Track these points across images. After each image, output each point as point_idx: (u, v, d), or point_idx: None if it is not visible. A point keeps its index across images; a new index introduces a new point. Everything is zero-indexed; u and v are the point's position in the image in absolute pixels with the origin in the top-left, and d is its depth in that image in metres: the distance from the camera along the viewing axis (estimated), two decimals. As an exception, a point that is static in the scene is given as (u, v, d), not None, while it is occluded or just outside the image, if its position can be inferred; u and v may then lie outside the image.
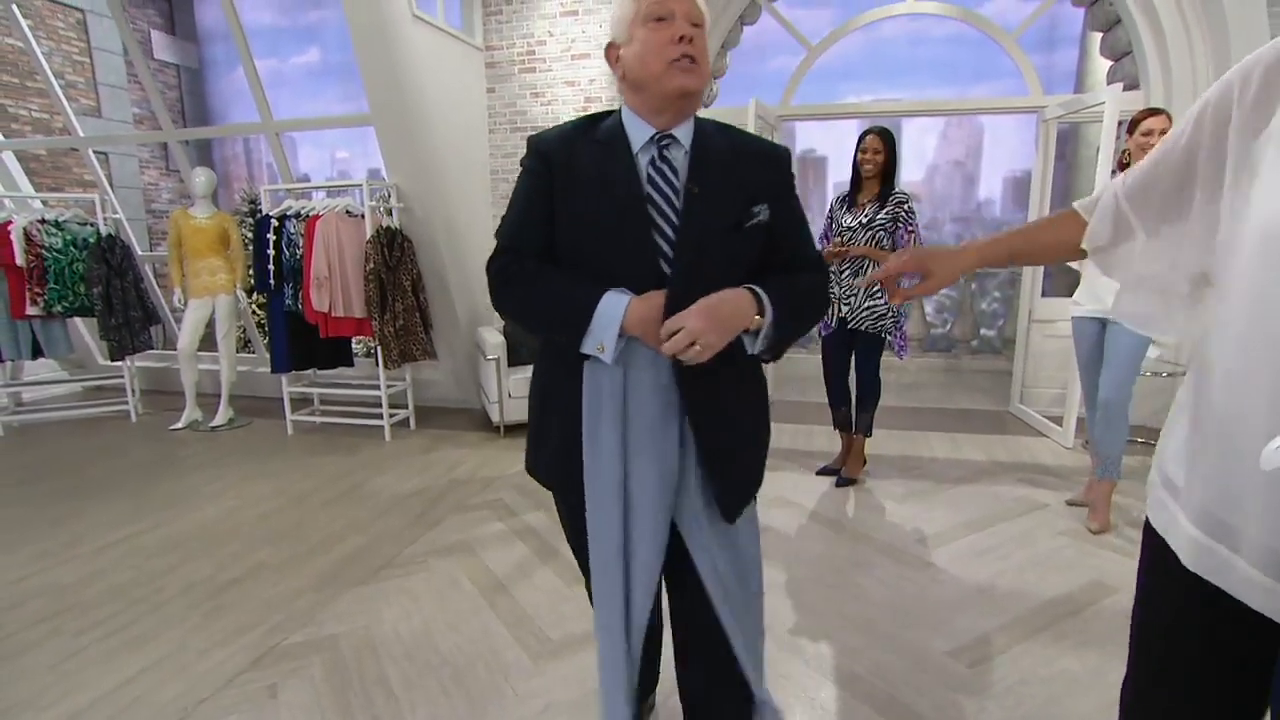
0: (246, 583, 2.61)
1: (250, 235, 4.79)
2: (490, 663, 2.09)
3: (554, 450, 1.29)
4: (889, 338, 3.37)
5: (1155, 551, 0.87)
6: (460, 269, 4.79)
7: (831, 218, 3.46)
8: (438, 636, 2.23)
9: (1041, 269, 4.51)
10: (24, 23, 5.23)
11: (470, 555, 2.80)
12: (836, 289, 3.38)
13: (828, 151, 8.06)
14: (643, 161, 1.20)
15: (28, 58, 6.29)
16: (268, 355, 5.12)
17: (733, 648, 1.28)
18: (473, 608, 2.40)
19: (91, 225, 4.92)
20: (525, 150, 1.26)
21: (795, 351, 6.91)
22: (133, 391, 5.05)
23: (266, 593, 2.53)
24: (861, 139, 3.29)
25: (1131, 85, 4.24)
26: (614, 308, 1.13)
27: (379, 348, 4.38)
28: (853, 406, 3.55)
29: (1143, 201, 0.93)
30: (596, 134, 1.23)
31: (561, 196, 1.20)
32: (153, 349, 5.28)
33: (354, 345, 5.20)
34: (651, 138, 1.20)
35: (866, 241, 3.26)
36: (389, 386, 4.53)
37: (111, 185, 6.15)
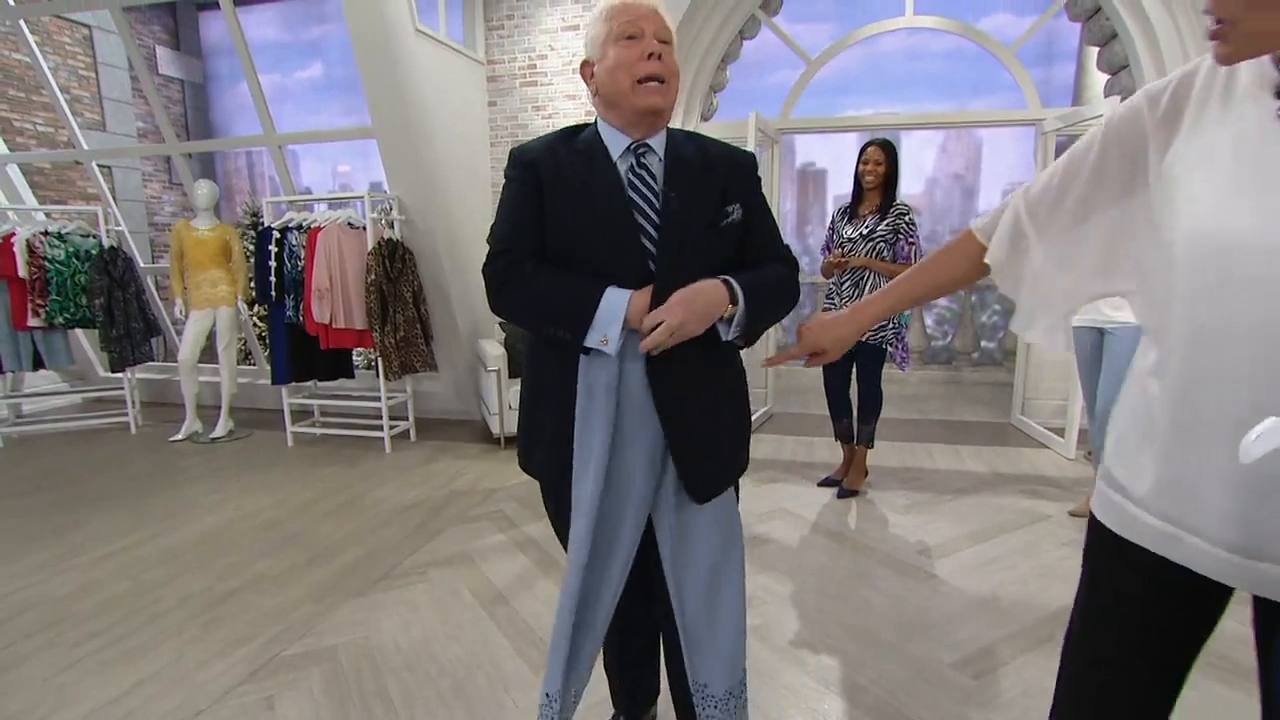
0: (245, 594, 2.59)
1: (252, 247, 4.81)
2: (491, 674, 2.07)
3: (548, 443, 1.32)
4: (890, 349, 3.37)
5: (1100, 539, 0.93)
6: (461, 281, 4.80)
7: (832, 229, 3.47)
8: (438, 647, 2.21)
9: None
10: (31, 39, 5.28)
11: (470, 566, 2.78)
12: (837, 300, 3.38)
13: (827, 165, 8.11)
14: (621, 169, 1.27)
15: (34, 72, 6.35)
16: (268, 367, 5.12)
17: (679, 636, 1.34)
18: (473, 619, 2.38)
19: (94, 237, 4.94)
20: (509, 162, 1.32)
21: (796, 364, 6.90)
22: (133, 403, 5.05)
23: (265, 604, 2.51)
24: (863, 150, 3.30)
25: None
26: (617, 302, 1.19)
27: (380, 359, 4.38)
28: (854, 418, 3.54)
29: (1045, 216, 0.96)
30: (576, 144, 1.30)
31: (550, 203, 1.25)
32: (153, 361, 5.28)
33: (355, 357, 5.21)
34: (628, 147, 1.27)
35: (867, 253, 3.27)
36: (389, 398, 4.53)
37: (115, 198, 6.19)
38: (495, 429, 4.45)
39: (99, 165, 5.88)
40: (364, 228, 4.43)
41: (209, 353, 4.90)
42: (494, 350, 4.44)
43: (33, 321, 4.69)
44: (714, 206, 1.28)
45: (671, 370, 1.25)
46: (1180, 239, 0.78)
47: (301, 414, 5.04)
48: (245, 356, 6.39)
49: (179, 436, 4.77)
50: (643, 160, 1.28)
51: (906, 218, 3.25)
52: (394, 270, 4.37)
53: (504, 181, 1.32)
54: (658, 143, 1.29)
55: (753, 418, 4.81)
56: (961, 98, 6.75)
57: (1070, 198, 0.93)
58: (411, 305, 4.43)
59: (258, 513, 3.42)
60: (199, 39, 9.63)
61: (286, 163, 5.04)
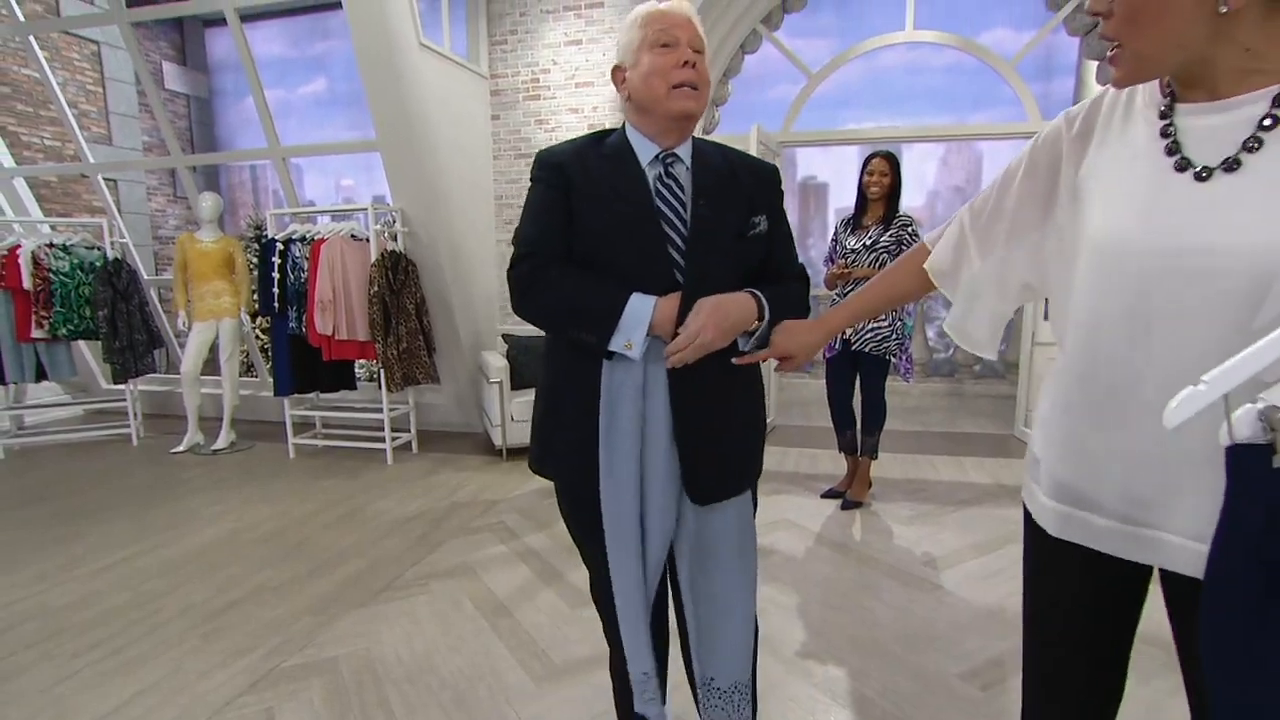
0: (245, 605, 2.57)
1: (255, 260, 4.82)
2: (492, 685, 2.05)
3: (568, 444, 1.31)
4: (893, 360, 3.37)
5: (1031, 527, 1.01)
6: (464, 292, 4.82)
7: (835, 240, 3.48)
8: (439, 659, 2.19)
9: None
10: (41, 54, 5.34)
11: (472, 577, 2.77)
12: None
13: (828, 178, 8.14)
14: (649, 176, 1.27)
15: (43, 87, 6.41)
16: (270, 379, 5.12)
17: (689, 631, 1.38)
18: (474, 630, 2.36)
19: (98, 249, 4.96)
20: (535, 164, 1.30)
21: (799, 376, 6.89)
22: (135, 415, 5.04)
23: (266, 615, 2.49)
24: (867, 162, 3.32)
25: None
26: (642, 307, 1.20)
27: (382, 371, 4.38)
28: (858, 429, 3.53)
29: (984, 227, 1.05)
30: (604, 149, 1.29)
31: (578, 206, 1.25)
32: (156, 372, 5.28)
33: (357, 369, 5.21)
34: (656, 155, 1.28)
35: (870, 263, 3.28)
36: (391, 410, 4.52)
37: (119, 211, 6.22)
38: (497, 441, 4.44)
39: (104, 178, 5.91)
40: (367, 239, 4.45)
41: (211, 365, 4.90)
42: (496, 362, 4.44)
43: (36, 333, 4.70)
44: (741, 217, 1.29)
45: (693, 376, 1.25)
46: (1082, 240, 0.87)
47: (303, 426, 5.03)
48: (247, 369, 6.39)
49: (180, 448, 4.77)
50: (671, 169, 1.28)
51: (910, 229, 3.26)
52: (397, 282, 4.38)
53: (530, 184, 1.31)
54: (684, 151, 1.30)
55: (755, 429, 4.81)
56: (961, 111, 6.79)
57: (1004, 211, 1.02)
58: (414, 317, 4.44)
59: (259, 524, 3.41)
60: (205, 55, 9.73)
61: (290, 176, 5.07)
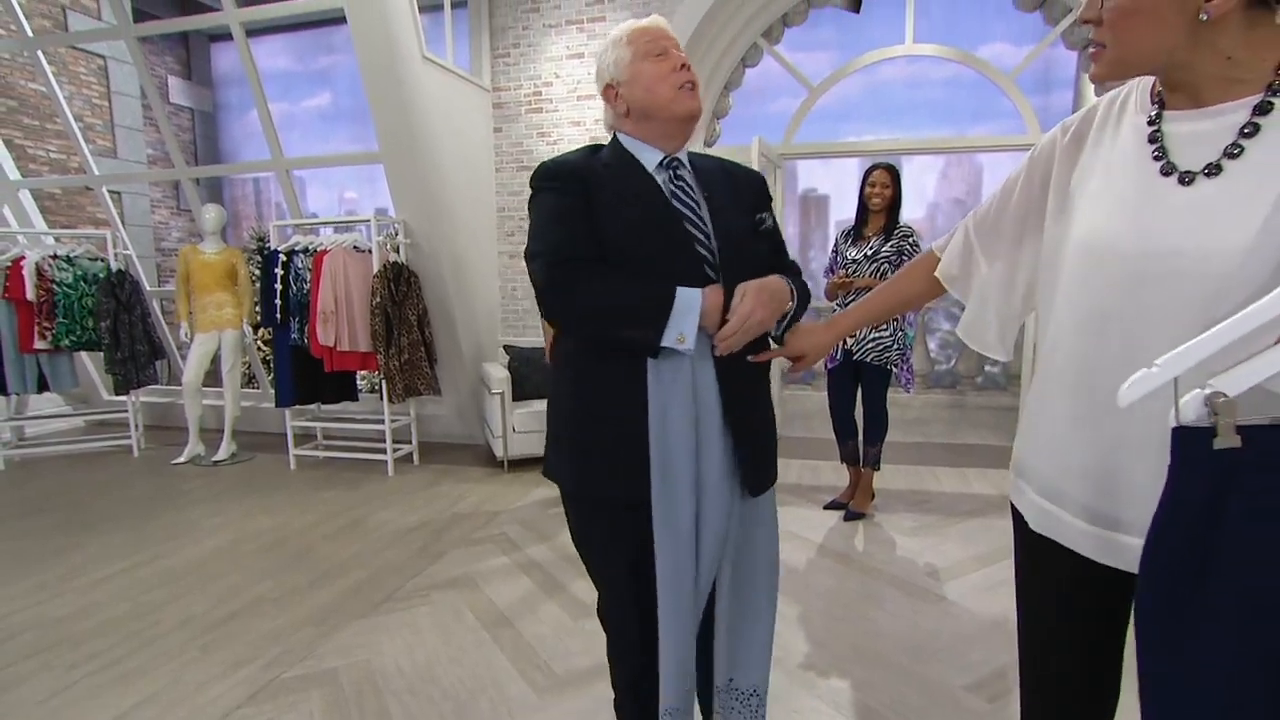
0: (245, 616, 2.56)
1: (258, 271, 4.83)
2: (494, 697, 2.03)
3: (614, 454, 1.26)
4: (895, 370, 3.36)
5: (1017, 524, 1.03)
6: (466, 304, 4.82)
7: (836, 251, 3.49)
8: (440, 670, 2.17)
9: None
10: (48, 68, 5.38)
11: (474, 589, 2.75)
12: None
13: (829, 190, 8.18)
14: (659, 180, 1.30)
15: (49, 101, 6.46)
16: (272, 390, 5.12)
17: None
18: (476, 641, 2.35)
19: (102, 261, 4.97)
20: (541, 175, 1.29)
21: (800, 388, 6.89)
22: (136, 426, 5.04)
23: (265, 626, 2.48)
24: (869, 173, 3.33)
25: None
26: (691, 298, 1.19)
27: (384, 382, 4.38)
28: (860, 440, 3.52)
29: (987, 234, 1.10)
30: (605, 160, 1.31)
31: (597, 213, 1.24)
32: (157, 383, 5.28)
33: (358, 380, 5.21)
34: (662, 161, 1.31)
35: (871, 274, 3.28)
36: (393, 421, 4.51)
37: (123, 223, 6.24)
38: (499, 452, 4.43)
39: (109, 191, 5.94)
40: (369, 251, 4.47)
41: (213, 376, 4.90)
42: (498, 373, 4.44)
43: (38, 344, 4.71)
44: (748, 214, 1.35)
45: (736, 368, 1.27)
46: (1070, 240, 0.91)
47: (304, 437, 5.02)
48: (249, 380, 6.40)
49: (181, 459, 4.76)
50: (679, 173, 1.32)
51: (910, 239, 3.27)
52: (399, 293, 4.39)
53: (535, 194, 1.30)
54: (684, 157, 1.35)
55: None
56: (961, 124, 6.83)
57: (1006, 218, 1.06)
58: (416, 328, 4.44)
59: (259, 535, 3.39)
60: (210, 69, 9.81)
61: (293, 188, 5.09)
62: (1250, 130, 0.77)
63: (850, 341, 3.34)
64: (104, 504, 3.92)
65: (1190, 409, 0.68)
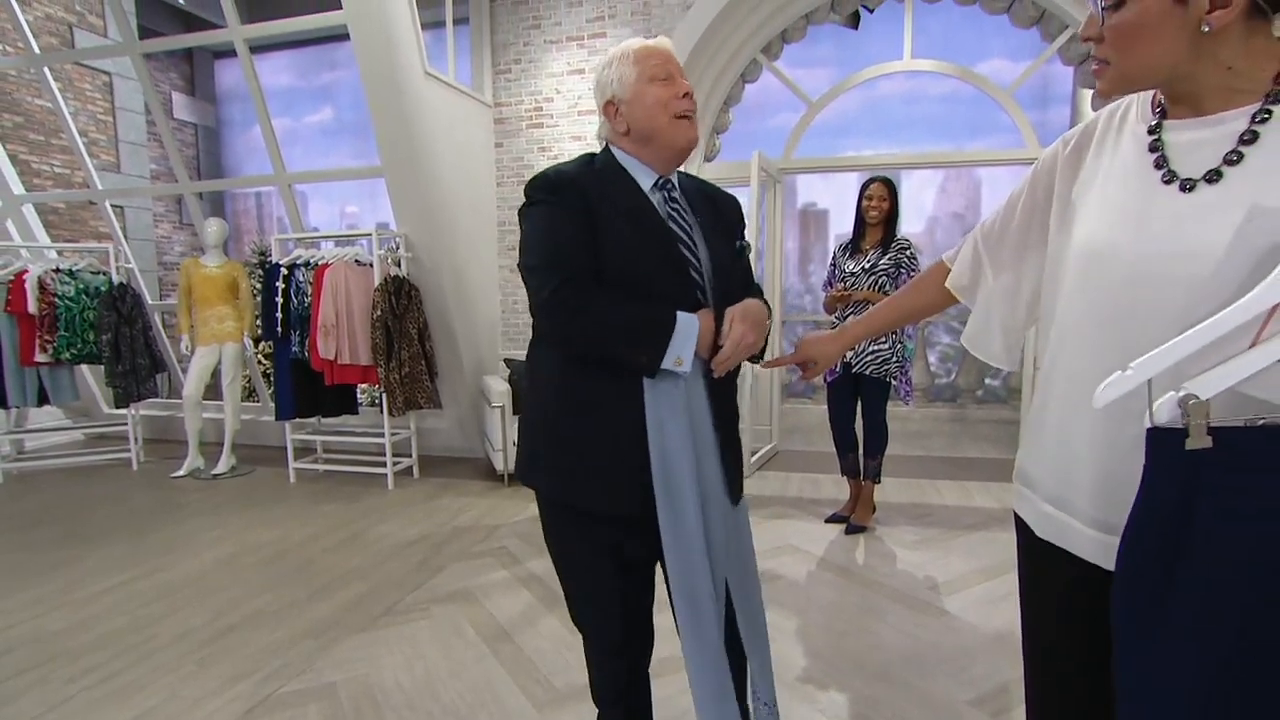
0: (243, 630, 2.54)
1: (259, 285, 4.84)
2: (494, 711, 2.01)
3: (605, 469, 1.28)
4: (894, 382, 3.36)
5: (1021, 532, 1.03)
6: (466, 317, 4.83)
7: (834, 264, 3.50)
8: (439, 685, 2.16)
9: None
10: (54, 85, 5.43)
11: (473, 603, 2.73)
12: (841, 333, 3.39)
13: (828, 205, 8.22)
14: (655, 201, 1.32)
15: (54, 116, 6.52)
16: (272, 404, 5.12)
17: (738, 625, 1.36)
18: (475, 655, 2.33)
19: (104, 274, 4.99)
20: (540, 186, 1.27)
21: (799, 401, 6.89)
22: (135, 439, 5.03)
23: (263, 640, 2.46)
24: (866, 187, 3.35)
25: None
26: (689, 324, 1.23)
27: (384, 395, 4.38)
28: (860, 453, 3.52)
29: (994, 246, 1.12)
30: (602, 172, 1.31)
31: (598, 226, 1.24)
32: (158, 397, 5.28)
33: (359, 393, 5.20)
34: (656, 182, 1.33)
35: (869, 286, 3.29)
36: (393, 434, 4.51)
37: (126, 237, 6.26)
38: (499, 466, 4.42)
39: (112, 205, 5.98)
40: (371, 265, 4.48)
41: (214, 389, 4.90)
42: (498, 387, 4.44)
43: (40, 357, 4.71)
44: (730, 239, 1.38)
45: (723, 386, 1.33)
46: (1069, 248, 0.92)
47: (304, 450, 5.01)
48: (249, 393, 6.40)
49: (181, 472, 4.75)
50: (672, 195, 1.34)
51: (908, 252, 3.28)
52: (400, 307, 4.40)
53: (536, 206, 1.28)
54: (675, 179, 1.37)
55: (758, 455, 4.79)
56: (959, 139, 6.87)
57: (1011, 230, 1.08)
58: (416, 341, 4.45)
59: (258, 548, 3.38)
60: (213, 85, 9.90)
61: (295, 202, 5.12)
62: (1249, 138, 0.78)
63: (850, 354, 3.34)
64: (103, 517, 3.91)
65: (1164, 411, 0.70)
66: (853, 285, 3.34)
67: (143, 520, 3.85)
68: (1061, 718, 1.01)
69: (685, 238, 1.30)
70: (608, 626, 1.40)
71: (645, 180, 1.31)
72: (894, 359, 3.30)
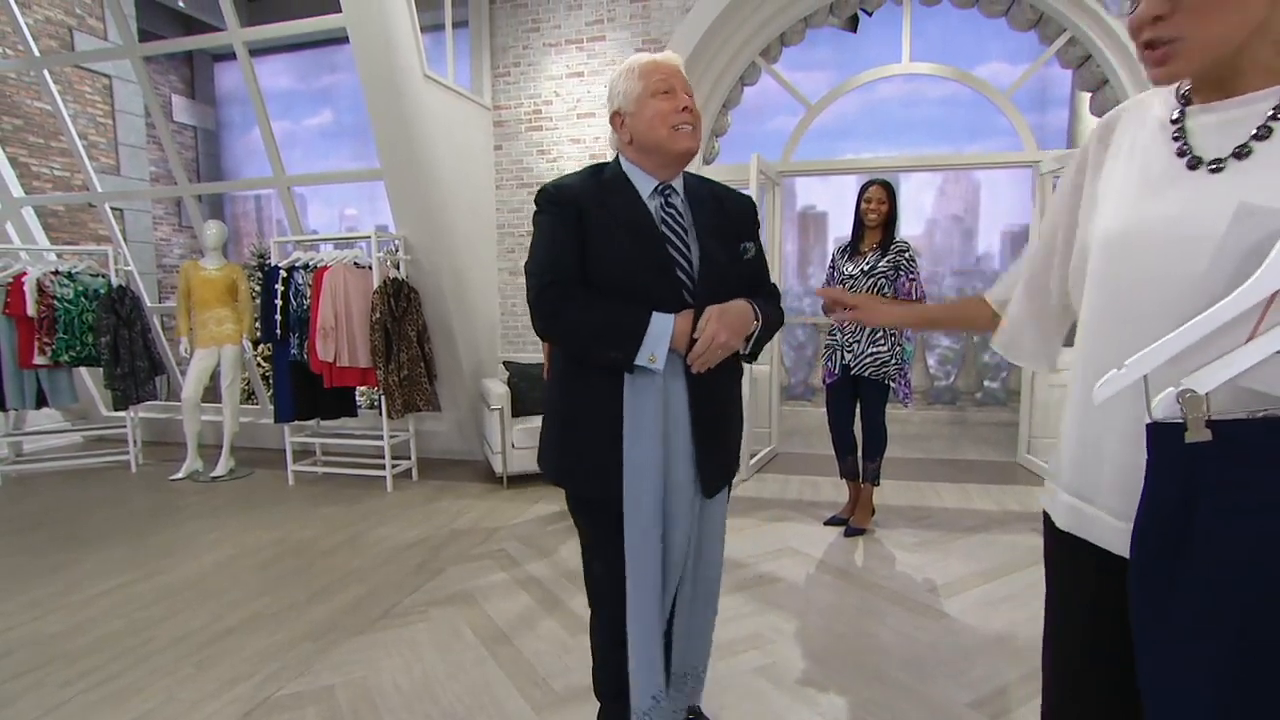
0: (241, 632, 2.54)
1: (258, 287, 4.84)
2: (492, 714, 2.01)
3: (591, 456, 1.41)
4: (893, 384, 3.36)
5: (1048, 529, 1.02)
6: (465, 320, 4.83)
7: (833, 267, 3.50)
8: (438, 687, 2.15)
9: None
10: (54, 87, 5.44)
11: (472, 605, 2.73)
12: (839, 335, 3.40)
13: (827, 207, 8.25)
14: (651, 207, 1.42)
15: (54, 119, 6.52)
16: (271, 406, 5.11)
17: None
18: (474, 658, 2.33)
19: (103, 276, 4.99)
20: (543, 197, 1.42)
21: (798, 404, 6.89)
22: (134, 442, 5.02)
23: (261, 643, 2.46)
24: (865, 189, 3.36)
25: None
26: (664, 324, 1.33)
27: (383, 397, 4.37)
28: (859, 455, 3.51)
29: (1036, 265, 1.09)
30: (606, 183, 1.43)
31: (591, 236, 1.37)
32: (157, 399, 5.28)
33: (358, 396, 5.20)
34: (656, 188, 1.43)
35: (868, 289, 3.29)
36: (392, 437, 4.51)
37: (125, 239, 6.26)
38: (498, 468, 4.42)
39: (111, 207, 5.98)
40: (370, 267, 4.48)
41: (213, 391, 4.90)
42: (497, 389, 4.43)
43: (38, 359, 4.71)
44: (732, 243, 1.46)
45: (706, 383, 1.39)
46: (1095, 239, 0.91)
47: (303, 453, 5.01)
48: (248, 396, 6.40)
49: (179, 475, 4.74)
50: (670, 200, 1.42)
51: (907, 254, 3.28)
52: (399, 309, 4.40)
53: (539, 215, 1.42)
54: (679, 184, 1.45)
55: (757, 457, 4.79)
56: (957, 142, 6.91)
57: (1042, 242, 1.07)
58: (415, 344, 4.45)
59: (257, 551, 3.37)
60: (213, 88, 9.92)
61: (294, 205, 5.13)
62: (1277, 113, 0.78)
63: (849, 356, 3.35)
64: (101, 520, 3.90)
65: (1163, 406, 0.71)
66: (852, 288, 3.33)
67: (141, 523, 3.84)
68: (1082, 712, 1.00)
69: (676, 239, 1.39)
70: (618, 614, 1.45)
71: (645, 187, 1.42)
72: (893, 361, 3.30)
